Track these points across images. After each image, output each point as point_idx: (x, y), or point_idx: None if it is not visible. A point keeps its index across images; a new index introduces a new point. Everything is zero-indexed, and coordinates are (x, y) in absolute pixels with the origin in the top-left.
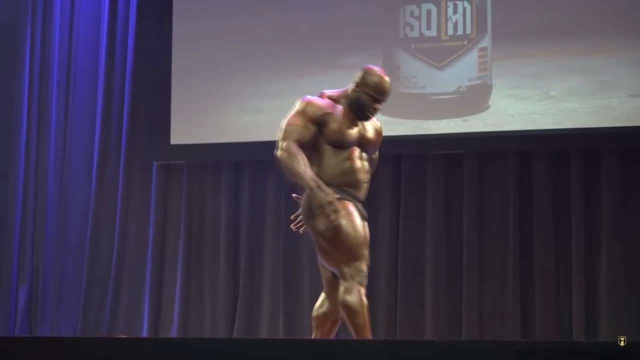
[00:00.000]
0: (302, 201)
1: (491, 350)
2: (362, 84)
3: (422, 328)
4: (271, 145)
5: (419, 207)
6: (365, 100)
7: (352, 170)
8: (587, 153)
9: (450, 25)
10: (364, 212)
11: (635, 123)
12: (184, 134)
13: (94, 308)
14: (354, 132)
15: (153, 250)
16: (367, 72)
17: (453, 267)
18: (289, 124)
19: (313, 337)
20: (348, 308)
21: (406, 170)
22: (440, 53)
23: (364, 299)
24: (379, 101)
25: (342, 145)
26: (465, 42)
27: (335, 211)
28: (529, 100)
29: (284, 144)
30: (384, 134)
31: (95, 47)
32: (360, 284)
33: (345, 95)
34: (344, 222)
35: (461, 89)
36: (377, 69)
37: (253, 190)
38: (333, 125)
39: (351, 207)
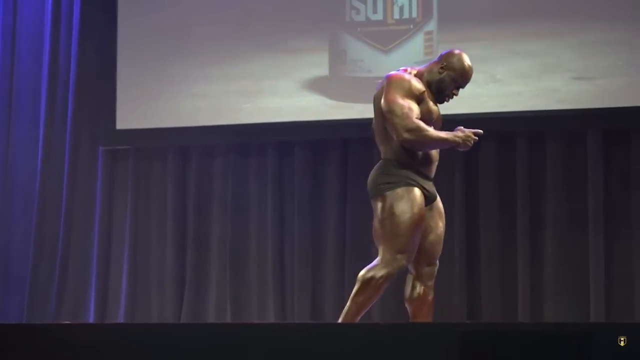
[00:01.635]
0: (370, 178)
1: (435, 333)
2: (449, 67)
3: (370, 312)
4: (218, 129)
5: (366, 190)
6: (448, 84)
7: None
8: (532, 136)
9: (396, 9)
10: (433, 191)
11: (580, 105)
12: (130, 119)
13: (40, 292)
14: (436, 111)
15: (99, 235)
16: (455, 56)
17: None
18: (396, 104)
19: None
20: (363, 284)
21: (353, 154)
22: (387, 37)
23: (381, 283)
24: (459, 87)
25: (427, 124)
26: (411, 26)
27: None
28: (474, 83)
29: (406, 126)
30: (331, 117)
31: (39, 30)
32: (390, 273)
33: (428, 73)
34: (401, 209)
35: None
36: (464, 54)
37: (200, 175)
38: (426, 105)
39: (418, 197)
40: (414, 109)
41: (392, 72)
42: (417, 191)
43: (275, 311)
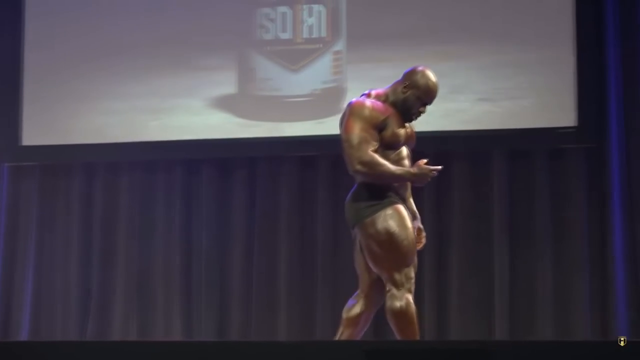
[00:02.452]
0: (348, 204)
1: (338, 351)
2: (413, 85)
3: (276, 329)
4: (125, 147)
5: (274, 208)
6: (413, 102)
7: None
8: (438, 155)
9: (305, 28)
10: (414, 210)
11: (485, 126)
12: (36, 135)
13: None
14: (403, 132)
15: (4, 251)
16: (418, 73)
17: (307, 268)
18: (354, 134)
19: (339, 336)
20: (399, 315)
21: (261, 172)
22: (295, 56)
23: (413, 306)
24: (425, 105)
25: (395, 146)
26: (320, 45)
27: (425, 174)
28: None
29: (360, 157)
30: (239, 135)
31: None
32: (409, 290)
33: (392, 93)
34: (397, 227)
35: (316, 92)
36: (427, 71)
37: (106, 192)
38: (390, 129)
39: (404, 211)
40: (371, 140)
41: (354, 99)
42: (401, 206)
43: (182, 328)
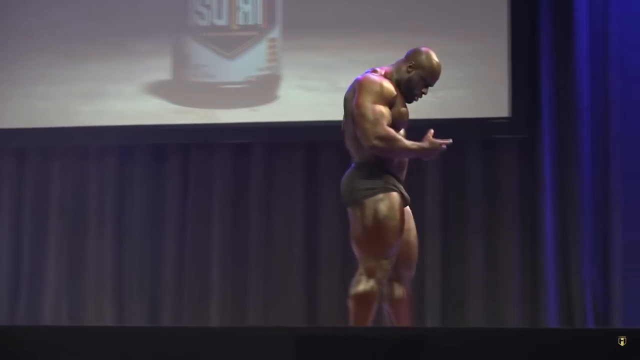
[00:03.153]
0: (344, 183)
1: (269, 337)
2: (418, 65)
3: (208, 316)
4: (58, 131)
5: (207, 196)
6: (417, 82)
7: None
8: None
9: (240, 15)
10: (407, 196)
11: (420, 116)
12: None
13: None
14: (406, 112)
15: None
16: (423, 54)
17: (241, 256)
18: (367, 108)
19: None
20: (358, 300)
21: (195, 159)
22: (231, 42)
23: (376, 296)
24: (428, 86)
25: (399, 126)
26: (256, 33)
27: (441, 145)
28: (317, 91)
29: (377, 132)
30: (173, 122)
31: None
32: (379, 281)
33: (396, 72)
34: (385, 216)
35: (251, 79)
36: (432, 52)
37: (37, 178)
38: (397, 108)
39: (398, 201)
40: (386, 114)
41: (363, 75)
42: (396, 195)
43: (113, 314)
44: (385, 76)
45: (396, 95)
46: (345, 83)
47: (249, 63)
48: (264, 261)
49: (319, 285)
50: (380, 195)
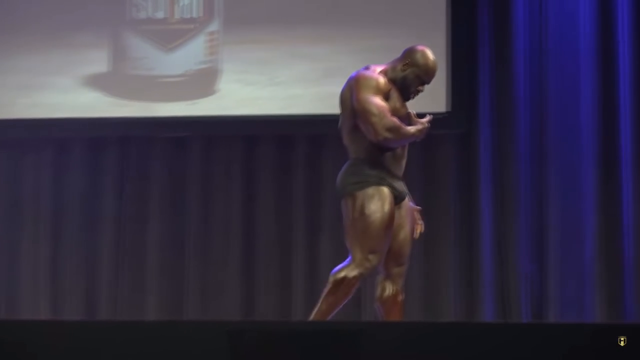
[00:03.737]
0: (339, 176)
1: (203, 331)
2: (413, 63)
3: (144, 311)
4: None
5: (144, 190)
6: (412, 80)
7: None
8: (311, 139)
9: (179, 8)
10: (403, 190)
11: None
12: None
13: None
14: (404, 110)
15: None
16: (418, 52)
17: (176, 251)
18: (371, 103)
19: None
20: (335, 283)
21: (132, 152)
22: (169, 35)
23: (353, 285)
24: (424, 84)
25: None
26: (195, 26)
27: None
28: (256, 85)
29: (385, 125)
30: (111, 114)
31: None
32: (361, 273)
33: (391, 70)
34: (373, 210)
35: (189, 72)
36: (427, 50)
37: None
38: (393, 103)
39: (388, 196)
40: (386, 106)
41: (357, 72)
42: (387, 190)
43: (48, 309)
44: (380, 74)
45: (390, 89)
46: (285, 77)
47: (188, 56)
48: (201, 255)
49: (256, 281)
50: (369, 190)
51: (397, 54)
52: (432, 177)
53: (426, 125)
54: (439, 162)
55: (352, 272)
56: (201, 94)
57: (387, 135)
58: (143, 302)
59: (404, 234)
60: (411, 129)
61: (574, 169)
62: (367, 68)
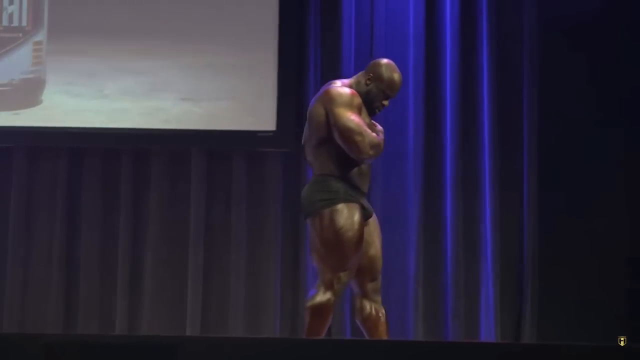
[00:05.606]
0: (303, 195)
1: (18, 343)
2: (376, 77)
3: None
4: None
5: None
6: (376, 95)
7: (359, 162)
8: (137, 153)
9: (5, 16)
10: (368, 206)
11: (185, 126)
12: None
13: None
14: (369, 123)
15: None
16: (382, 66)
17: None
18: (350, 121)
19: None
20: (314, 311)
21: None
22: None
23: (331, 308)
24: (388, 98)
25: None
26: (21, 35)
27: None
28: (82, 97)
29: (371, 142)
30: None
31: None
32: (336, 293)
33: (356, 85)
34: (342, 227)
35: (14, 82)
36: (392, 63)
37: None
38: (363, 117)
39: (356, 213)
40: (364, 122)
41: (327, 87)
42: (355, 206)
43: None
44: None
45: (361, 104)
46: (110, 90)
47: (13, 65)
48: (21, 267)
49: (77, 292)
50: (339, 206)
51: (226, 70)
52: (258, 196)
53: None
54: (265, 180)
55: (325, 296)
56: (26, 104)
57: (372, 152)
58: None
59: (374, 249)
60: (381, 139)
61: (395, 183)
62: (331, 83)
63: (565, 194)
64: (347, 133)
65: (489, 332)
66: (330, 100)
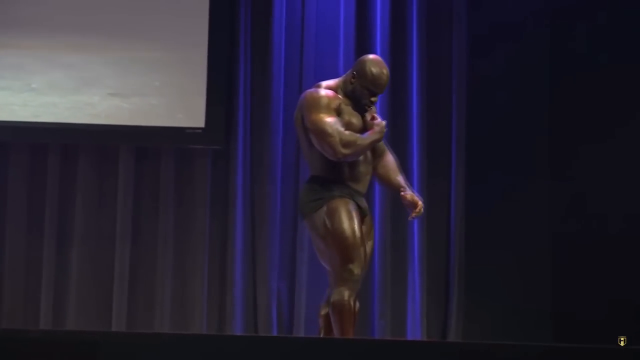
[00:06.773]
0: (299, 197)
1: None
2: (359, 74)
3: None
4: None
5: None
6: (361, 92)
7: (354, 163)
8: (65, 148)
9: None
10: (365, 206)
11: (114, 122)
12: None
13: None
14: (358, 122)
15: None
16: (365, 63)
17: None
18: (323, 122)
19: (322, 335)
20: (335, 310)
21: None
22: None
23: (352, 304)
24: (375, 94)
25: None
26: None
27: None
28: (9, 91)
29: (342, 141)
30: None
31: None
32: (351, 288)
33: (343, 84)
34: (335, 222)
35: None
36: (376, 59)
37: None
38: (344, 117)
39: (350, 207)
40: (339, 122)
41: (306, 91)
42: (342, 200)
43: None
44: (331, 88)
45: (340, 104)
46: (38, 84)
47: None
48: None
49: (3, 290)
50: (331, 202)
51: (156, 67)
52: (186, 193)
53: (382, 123)
54: (194, 177)
55: (344, 293)
56: None
57: (345, 151)
58: None
59: (368, 248)
60: (367, 137)
61: None
62: (318, 86)
63: (490, 193)
64: (320, 136)
65: (414, 334)
66: (303, 106)
